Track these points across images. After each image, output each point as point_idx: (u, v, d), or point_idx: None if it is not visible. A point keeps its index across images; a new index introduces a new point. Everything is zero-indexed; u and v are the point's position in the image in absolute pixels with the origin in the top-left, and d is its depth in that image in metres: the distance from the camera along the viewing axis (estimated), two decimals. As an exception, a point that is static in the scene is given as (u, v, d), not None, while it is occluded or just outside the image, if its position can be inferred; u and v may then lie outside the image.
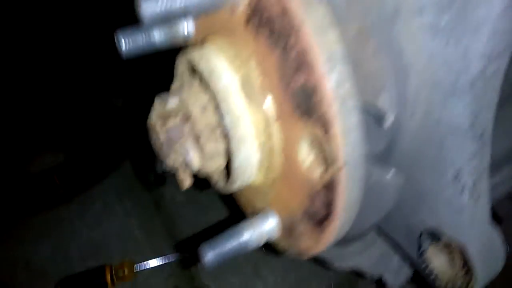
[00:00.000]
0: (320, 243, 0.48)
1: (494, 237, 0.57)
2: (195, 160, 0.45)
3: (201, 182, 0.66)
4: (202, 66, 0.45)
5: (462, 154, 0.49)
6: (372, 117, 0.44)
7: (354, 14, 0.40)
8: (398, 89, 0.45)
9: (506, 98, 0.79)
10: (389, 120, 0.41)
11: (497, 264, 0.58)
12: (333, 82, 0.35)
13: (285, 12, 0.37)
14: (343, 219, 0.43)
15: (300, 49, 0.36)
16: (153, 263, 1.68)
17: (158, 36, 0.51)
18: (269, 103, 0.44)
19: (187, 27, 0.52)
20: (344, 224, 0.44)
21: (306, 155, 0.44)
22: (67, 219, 1.83)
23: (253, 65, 0.44)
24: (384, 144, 0.50)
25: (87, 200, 1.88)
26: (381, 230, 0.69)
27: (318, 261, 0.90)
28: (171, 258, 1.69)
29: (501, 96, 0.78)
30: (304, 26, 0.35)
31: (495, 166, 0.88)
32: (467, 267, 0.56)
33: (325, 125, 0.37)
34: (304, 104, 0.39)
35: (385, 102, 0.41)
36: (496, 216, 1.11)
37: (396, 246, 0.68)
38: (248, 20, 0.43)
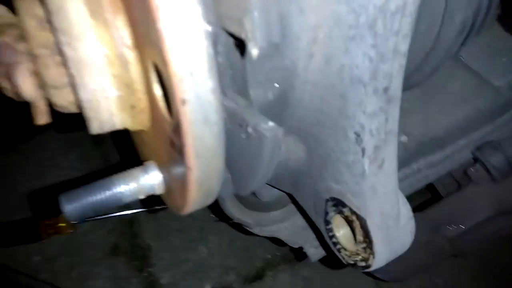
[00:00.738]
0: (187, 201, 0.40)
1: (401, 211, 0.51)
2: (25, 89, 0.36)
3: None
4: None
5: (363, 110, 0.42)
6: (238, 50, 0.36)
7: None
8: (283, 21, 0.36)
9: (439, 63, 0.72)
10: (254, 50, 0.33)
11: (402, 241, 0.52)
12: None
13: None
14: (201, 171, 0.35)
15: None
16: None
17: None
18: (121, 26, 0.36)
19: None
20: (205, 177, 0.36)
21: (159, 92, 0.36)
22: (10, 166, 1.73)
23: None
24: (272, 93, 0.42)
25: (32, 148, 1.78)
26: (294, 199, 0.63)
27: (239, 225, 0.85)
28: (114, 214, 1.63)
29: (434, 60, 0.71)
30: None
31: (438, 143, 0.83)
32: (367, 241, 0.50)
33: (160, 52, 0.29)
34: (146, 25, 0.31)
35: (249, 27, 0.32)
36: (437, 194, 1.07)
37: (307, 216, 0.62)
38: None
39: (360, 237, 0.51)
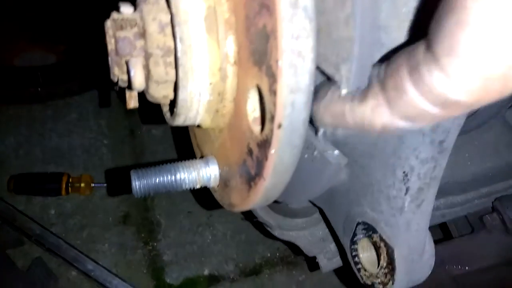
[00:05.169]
0: (246, 202, 0.46)
1: (426, 248, 0.56)
2: (137, 80, 0.42)
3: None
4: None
5: (417, 155, 0.47)
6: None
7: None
8: (367, 68, 0.41)
9: (484, 122, 0.77)
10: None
11: (421, 274, 0.57)
12: (291, 30, 0.32)
13: None
14: (271, 182, 0.40)
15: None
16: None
17: None
18: (230, 44, 0.41)
19: None
20: (272, 187, 0.41)
21: (253, 108, 0.41)
22: (39, 120, 1.80)
23: (224, -1, 0.40)
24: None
25: (64, 107, 1.85)
26: (322, 213, 0.68)
27: (260, 224, 0.90)
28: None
29: (480, 118, 0.75)
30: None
31: (462, 187, 0.87)
32: (390, 268, 0.55)
33: (271, 77, 0.34)
34: (259, 50, 0.36)
35: (345, 73, 0.37)
36: (448, 234, 1.11)
37: (332, 231, 0.67)
38: None
39: (384, 263, 0.56)
